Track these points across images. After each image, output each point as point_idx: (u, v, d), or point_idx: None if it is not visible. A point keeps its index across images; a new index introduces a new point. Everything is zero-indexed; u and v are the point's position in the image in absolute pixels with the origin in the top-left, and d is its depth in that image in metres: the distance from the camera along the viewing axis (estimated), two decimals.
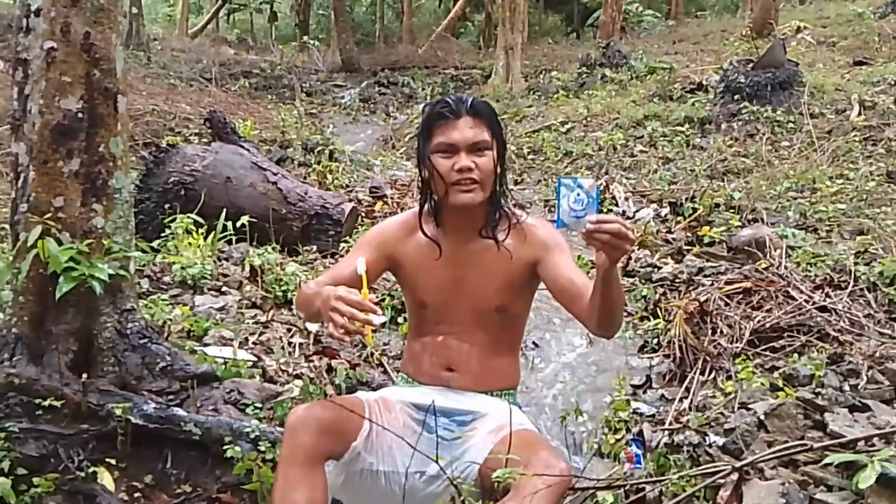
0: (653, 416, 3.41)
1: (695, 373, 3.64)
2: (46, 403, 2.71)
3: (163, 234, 4.92)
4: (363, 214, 6.44)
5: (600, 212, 1.81)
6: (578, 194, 1.80)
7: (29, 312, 2.85)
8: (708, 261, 5.31)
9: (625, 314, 4.56)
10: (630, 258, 5.61)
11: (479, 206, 2.19)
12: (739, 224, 6.03)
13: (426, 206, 2.28)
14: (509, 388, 2.36)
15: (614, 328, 2.13)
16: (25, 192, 2.83)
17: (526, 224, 2.28)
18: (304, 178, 7.60)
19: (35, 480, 2.55)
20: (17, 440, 2.65)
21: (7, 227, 2.99)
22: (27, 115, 2.83)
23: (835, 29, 14.96)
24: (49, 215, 2.79)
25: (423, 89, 16.66)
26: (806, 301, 4.00)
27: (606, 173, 8.54)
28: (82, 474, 2.67)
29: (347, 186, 7.87)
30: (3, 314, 3.02)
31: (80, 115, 2.84)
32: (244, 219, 5.12)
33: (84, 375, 2.80)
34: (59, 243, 2.77)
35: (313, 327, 4.07)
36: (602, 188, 7.69)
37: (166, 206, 5.27)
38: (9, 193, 2.99)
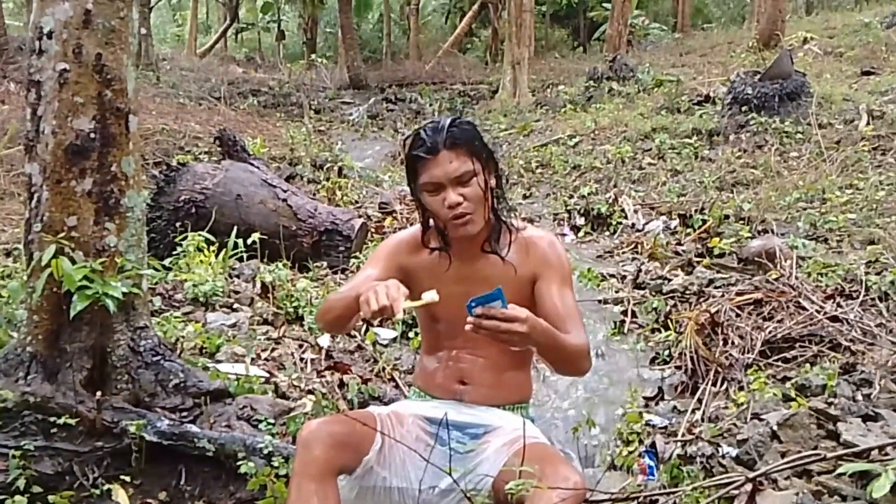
0: (665, 427, 3.40)
1: (707, 384, 3.63)
2: (61, 421, 2.73)
3: (174, 252, 4.95)
4: (373, 230, 6.47)
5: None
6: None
7: (43, 331, 2.88)
8: (718, 272, 5.31)
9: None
10: (640, 270, 5.61)
11: (480, 230, 2.19)
12: (749, 235, 6.02)
13: (428, 225, 2.30)
14: (522, 401, 2.36)
15: (566, 373, 2.23)
16: (39, 212, 2.86)
17: (528, 236, 2.28)
18: (314, 194, 7.64)
19: (51, 498, 2.56)
20: (33, 458, 2.67)
21: (21, 246, 3.01)
22: (40, 135, 2.86)
23: (842, 39, 14.99)
24: (63, 234, 2.81)
25: (431, 105, 16.71)
26: (817, 311, 3.99)
27: (615, 186, 8.55)
28: (97, 491, 2.68)
29: (357, 202, 7.91)
30: (17, 333, 3.04)
31: (92, 134, 2.87)
32: (255, 236, 5.15)
33: (98, 393, 2.82)
34: (73, 262, 2.80)
35: (325, 342, 4.09)
36: (611, 200, 7.70)
37: (178, 224, 5.31)
38: (23, 213, 3.02)
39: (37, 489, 2.60)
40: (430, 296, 2.00)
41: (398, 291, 1.92)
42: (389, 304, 1.87)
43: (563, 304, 2.17)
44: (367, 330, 4.39)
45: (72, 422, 2.74)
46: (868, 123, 8.87)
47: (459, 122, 2.16)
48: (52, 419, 2.74)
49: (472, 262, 2.24)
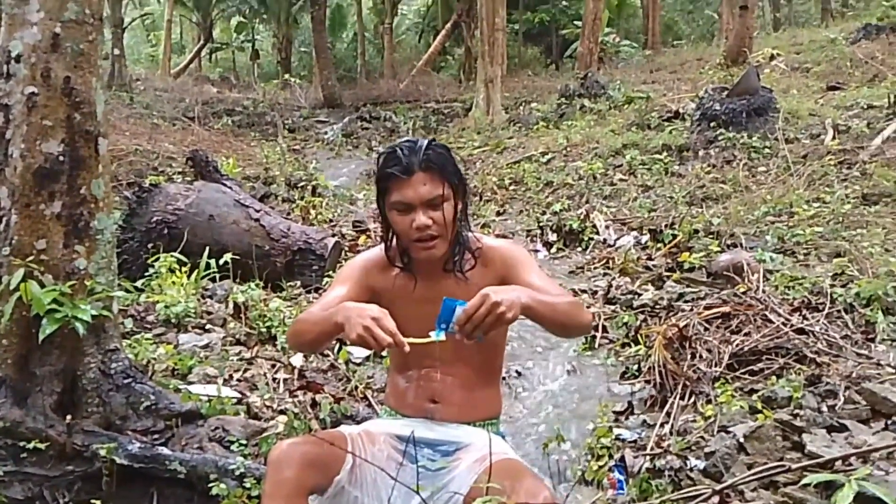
0: (635, 441, 3.43)
1: (675, 398, 3.67)
2: (31, 446, 2.72)
3: (146, 274, 4.94)
4: (347, 249, 6.48)
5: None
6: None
7: (13, 355, 2.87)
8: (688, 286, 5.37)
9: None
10: (611, 285, 5.67)
11: (442, 253, 2.21)
12: (719, 249, 6.09)
13: (391, 244, 2.31)
14: (492, 417, 2.37)
15: (571, 334, 2.30)
16: (8, 235, 2.86)
17: (486, 247, 2.29)
18: (288, 213, 7.65)
19: None
20: (3, 483, 2.66)
21: None
22: (9, 159, 2.87)
23: (808, 55, 15.22)
24: (32, 258, 2.82)
25: (405, 123, 16.78)
26: (784, 324, 4.05)
27: (587, 202, 8.62)
28: None
29: (331, 221, 7.92)
30: None
31: (61, 157, 2.88)
32: (227, 256, 5.15)
33: (69, 416, 2.81)
34: (42, 285, 2.80)
35: (297, 362, 4.09)
36: (583, 216, 7.77)
37: (150, 245, 5.30)
38: None
39: None
40: (437, 335, 2.01)
41: (392, 322, 1.93)
42: (395, 340, 1.90)
43: (544, 283, 2.18)
44: (340, 349, 4.40)
45: (42, 446, 2.73)
46: (834, 138, 9.01)
47: (435, 146, 2.17)
48: (21, 444, 2.73)
49: (436, 281, 2.26)
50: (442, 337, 2.00)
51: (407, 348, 1.93)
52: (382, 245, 2.35)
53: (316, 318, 2.14)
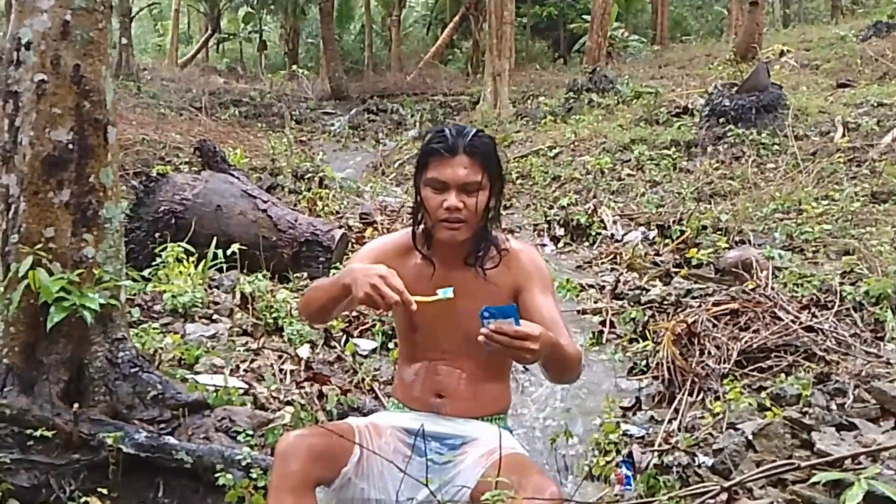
0: (642, 437, 3.43)
1: (683, 394, 3.66)
2: (38, 434, 2.71)
3: (153, 263, 4.93)
4: (353, 241, 6.46)
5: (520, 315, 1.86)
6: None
7: (20, 343, 2.86)
8: (695, 283, 5.35)
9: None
10: (619, 281, 5.65)
11: (462, 241, 2.20)
12: (726, 246, 6.07)
13: (419, 228, 2.29)
14: (499, 412, 2.36)
15: (563, 382, 2.40)
16: (16, 223, 2.85)
17: (513, 251, 2.28)
18: (295, 205, 7.63)
19: None
20: (9, 471, 2.65)
21: None
22: (18, 146, 2.85)
23: (818, 52, 15.17)
24: (40, 246, 2.81)
25: (412, 116, 16.76)
26: (793, 321, 4.04)
27: (594, 197, 8.61)
28: None
29: (337, 213, 7.91)
30: None
31: (70, 146, 2.87)
32: (234, 247, 5.14)
33: (75, 405, 2.81)
34: (50, 273, 2.79)
35: (304, 353, 4.09)
36: (591, 211, 7.75)
37: (157, 234, 5.29)
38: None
39: (13, 502, 2.58)
40: (445, 293, 2.02)
41: (399, 280, 1.94)
42: (402, 298, 1.90)
43: (549, 314, 2.19)
44: (346, 341, 4.39)
45: (48, 434, 2.72)
46: (843, 135, 8.98)
47: (483, 136, 2.19)
48: (28, 432, 2.72)
49: (455, 273, 2.24)
50: (450, 294, 2.01)
51: (414, 306, 1.95)
52: (406, 233, 2.33)
53: (325, 285, 2.16)
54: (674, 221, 7.05)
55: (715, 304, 4.37)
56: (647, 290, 5.37)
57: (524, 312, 2.21)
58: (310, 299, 2.22)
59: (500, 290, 2.22)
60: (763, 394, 3.40)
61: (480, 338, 1.84)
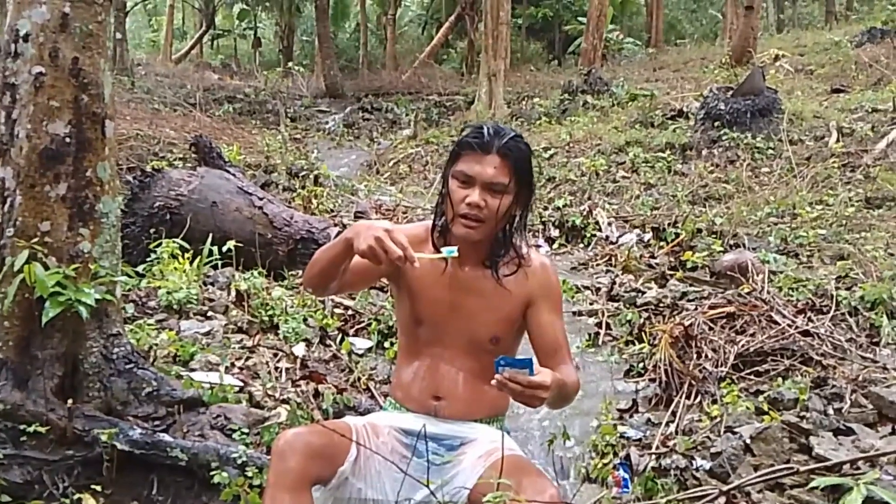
0: (640, 440, 3.42)
1: (680, 397, 3.66)
2: (31, 429, 2.69)
3: (148, 259, 4.90)
4: None
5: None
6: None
7: (14, 337, 2.83)
8: (691, 285, 5.36)
9: (616, 339, 4.58)
10: (614, 283, 5.65)
11: (478, 240, 2.18)
12: (721, 249, 6.08)
13: (439, 221, 2.26)
14: (498, 414, 2.34)
15: (559, 408, 2.56)
16: (12, 217, 2.82)
17: (534, 263, 2.26)
18: (289, 202, 7.60)
19: None
20: (2, 466, 2.62)
21: None
22: (14, 139, 2.82)
23: (812, 57, 15.22)
24: (36, 240, 2.78)
25: (407, 115, 16.75)
26: (789, 325, 4.04)
27: (589, 198, 8.61)
28: (67, 501, 2.64)
29: (332, 211, 7.89)
30: None
31: (67, 139, 2.84)
32: (230, 243, 5.11)
33: (69, 401, 2.78)
34: (46, 268, 2.76)
35: (300, 351, 4.07)
36: (586, 213, 7.75)
37: (152, 230, 5.26)
38: None
39: (5, 498, 2.56)
40: (449, 251, 2.01)
41: (403, 236, 1.93)
42: (406, 254, 1.90)
43: (554, 335, 2.21)
44: (342, 339, 4.37)
45: (42, 430, 2.70)
46: (838, 140, 9.01)
47: (521, 141, 2.16)
48: (21, 427, 2.70)
49: (470, 272, 2.23)
50: (454, 253, 2.01)
51: (417, 263, 1.93)
52: (425, 226, 2.31)
53: (327, 246, 2.14)
54: (669, 224, 7.07)
55: (711, 308, 4.37)
56: (643, 293, 5.37)
57: (534, 327, 2.22)
58: (313, 261, 2.17)
59: (511, 296, 2.21)
60: (760, 397, 3.41)
61: (493, 382, 1.82)
